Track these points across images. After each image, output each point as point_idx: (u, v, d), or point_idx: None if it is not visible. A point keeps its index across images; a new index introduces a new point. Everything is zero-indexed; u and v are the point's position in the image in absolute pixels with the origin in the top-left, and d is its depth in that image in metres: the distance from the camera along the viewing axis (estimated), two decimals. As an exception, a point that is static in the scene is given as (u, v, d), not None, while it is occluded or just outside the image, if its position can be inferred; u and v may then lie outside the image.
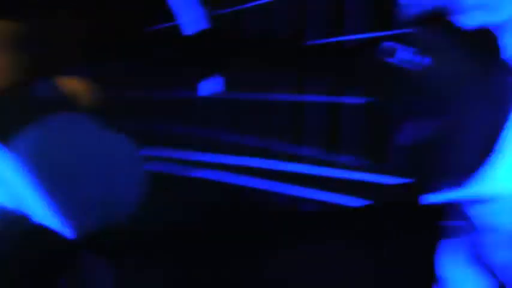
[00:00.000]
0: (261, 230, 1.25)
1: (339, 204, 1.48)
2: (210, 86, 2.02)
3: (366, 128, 1.55)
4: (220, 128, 2.04)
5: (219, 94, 2.03)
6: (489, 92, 0.61)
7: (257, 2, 1.88)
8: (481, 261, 0.70)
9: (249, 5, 1.91)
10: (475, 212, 0.65)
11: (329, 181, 1.57)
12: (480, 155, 0.62)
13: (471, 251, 0.74)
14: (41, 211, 0.49)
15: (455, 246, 0.80)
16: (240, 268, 1.15)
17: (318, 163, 1.65)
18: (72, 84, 0.64)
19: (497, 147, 0.61)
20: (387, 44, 0.57)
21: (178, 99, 2.05)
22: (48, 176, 0.50)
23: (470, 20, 0.60)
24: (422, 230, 1.06)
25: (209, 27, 2.06)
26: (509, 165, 0.63)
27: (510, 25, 0.63)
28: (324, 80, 1.69)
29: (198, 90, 2.03)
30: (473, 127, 0.58)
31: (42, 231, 0.50)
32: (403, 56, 0.56)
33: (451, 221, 0.78)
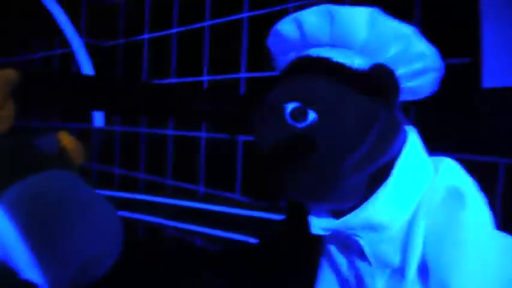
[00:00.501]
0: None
1: (234, 240, 1.50)
2: (98, 119, 1.99)
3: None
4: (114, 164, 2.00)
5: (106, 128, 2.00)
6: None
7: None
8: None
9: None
10: (357, 242, 0.67)
11: (221, 217, 1.59)
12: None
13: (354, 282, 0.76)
14: (28, 266, 0.48)
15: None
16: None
17: (209, 199, 1.67)
18: (66, 140, 0.64)
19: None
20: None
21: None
22: (38, 231, 0.49)
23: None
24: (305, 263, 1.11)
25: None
26: (389, 195, 0.66)
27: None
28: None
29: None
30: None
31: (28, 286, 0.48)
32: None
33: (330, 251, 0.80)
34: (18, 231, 0.51)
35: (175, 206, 1.73)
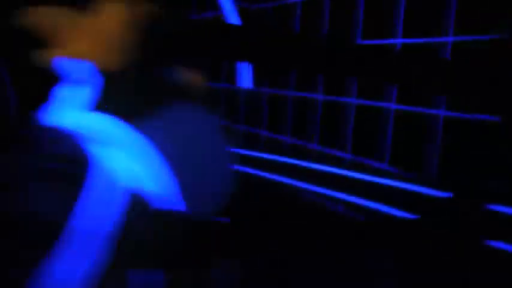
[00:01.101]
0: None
1: (378, 211, 1.47)
2: (245, 81, 2.03)
3: (406, 136, 1.53)
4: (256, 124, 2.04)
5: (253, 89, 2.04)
6: None
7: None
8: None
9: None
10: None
11: (366, 186, 1.56)
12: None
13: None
14: (167, 197, 0.51)
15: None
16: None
17: (355, 167, 1.64)
18: (190, 75, 0.68)
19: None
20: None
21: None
22: (171, 163, 0.52)
23: None
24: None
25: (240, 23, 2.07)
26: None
27: None
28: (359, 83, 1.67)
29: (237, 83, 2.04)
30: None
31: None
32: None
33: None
34: (165, 163, 0.51)
35: (320, 171, 1.73)
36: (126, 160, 0.50)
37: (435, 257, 1.09)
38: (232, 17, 2.06)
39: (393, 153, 1.61)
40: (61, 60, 0.53)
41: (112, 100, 0.52)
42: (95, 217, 0.44)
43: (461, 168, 1.27)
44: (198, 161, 0.55)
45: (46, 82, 0.52)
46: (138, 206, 0.47)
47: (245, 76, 2.06)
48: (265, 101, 2.06)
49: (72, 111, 0.50)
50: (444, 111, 1.44)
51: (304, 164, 1.76)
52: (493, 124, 1.22)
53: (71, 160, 0.47)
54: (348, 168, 1.66)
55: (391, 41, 1.57)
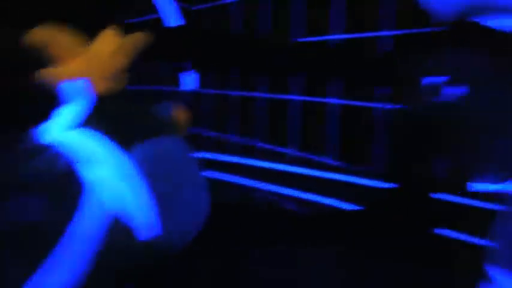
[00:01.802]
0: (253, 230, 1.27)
1: (327, 205, 1.51)
2: (189, 82, 2.02)
3: (350, 130, 1.58)
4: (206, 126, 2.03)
5: (196, 90, 2.03)
6: None
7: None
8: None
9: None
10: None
11: (313, 182, 1.59)
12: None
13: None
14: (146, 222, 0.52)
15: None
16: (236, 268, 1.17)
17: (302, 163, 1.67)
18: (180, 111, 0.71)
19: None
20: (429, 81, 0.57)
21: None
22: (162, 188, 0.53)
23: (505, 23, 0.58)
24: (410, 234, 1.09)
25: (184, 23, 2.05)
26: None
27: None
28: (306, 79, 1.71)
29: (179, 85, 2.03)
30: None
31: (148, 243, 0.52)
32: (447, 91, 0.56)
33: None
34: (145, 188, 0.54)
35: (266, 168, 1.75)
36: (110, 179, 0.52)
37: (384, 247, 1.14)
38: (174, 19, 2.05)
39: (340, 147, 1.65)
40: (61, 80, 0.57)
41: (102, 120, 0.55)
42: (80, 233, 0.46)
43: (406, 159, 1.32)
44: (175, 190, 0.57)
45: (45, 100, 0.55)
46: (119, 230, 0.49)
47: (189, 78, 2.04)
48: (211, 102, 2.05)
49: (63, 129, 0.53)
50: (384, 104, 1.50)
51: (253, 162, 1.77)
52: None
53: (60, 175, 0.48)
54: (295, 164, 1.69)
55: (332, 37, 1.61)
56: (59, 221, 0.45)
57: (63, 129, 0.53)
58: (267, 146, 1.86)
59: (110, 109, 0.59)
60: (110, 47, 0.62)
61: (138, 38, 0.66)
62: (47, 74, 0.57)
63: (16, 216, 0.44)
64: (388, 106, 1.46)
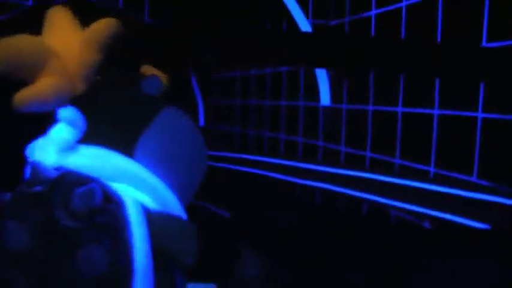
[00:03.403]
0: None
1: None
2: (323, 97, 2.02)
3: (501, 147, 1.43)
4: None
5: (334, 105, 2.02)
6: None
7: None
8: None
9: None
10: None
11: (454, 200, 1.47)
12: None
13: None
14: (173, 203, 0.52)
15: None
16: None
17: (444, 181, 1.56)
18: (164, 79, 0.69)
19: None
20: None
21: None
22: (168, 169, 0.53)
23: None
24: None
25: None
26: None
27: None
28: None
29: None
30: None
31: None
32: None
33: None
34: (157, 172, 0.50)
35: (402, 186, 1.67)
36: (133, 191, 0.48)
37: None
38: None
39: (483, 165, 1.52)
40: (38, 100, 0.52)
41: (94, 126, 0.49)
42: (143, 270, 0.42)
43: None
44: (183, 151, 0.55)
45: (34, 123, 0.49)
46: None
47: (323, 93, 2.05)
48: (347, 116, 2.03)
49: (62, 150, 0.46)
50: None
51: (385, 178, 1.71)
52: None
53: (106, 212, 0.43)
54: (432, 182, 1.59)
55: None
56: (123, 265, 0.41)
57: (62, 151, 0.45)
58: (407, 163, 1.78)
59: (95, 108, 0.53)
60: (72, 41, 0.56)
61: (105, 30, 0.58)
62: (20, 98, 0.51)
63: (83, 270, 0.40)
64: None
